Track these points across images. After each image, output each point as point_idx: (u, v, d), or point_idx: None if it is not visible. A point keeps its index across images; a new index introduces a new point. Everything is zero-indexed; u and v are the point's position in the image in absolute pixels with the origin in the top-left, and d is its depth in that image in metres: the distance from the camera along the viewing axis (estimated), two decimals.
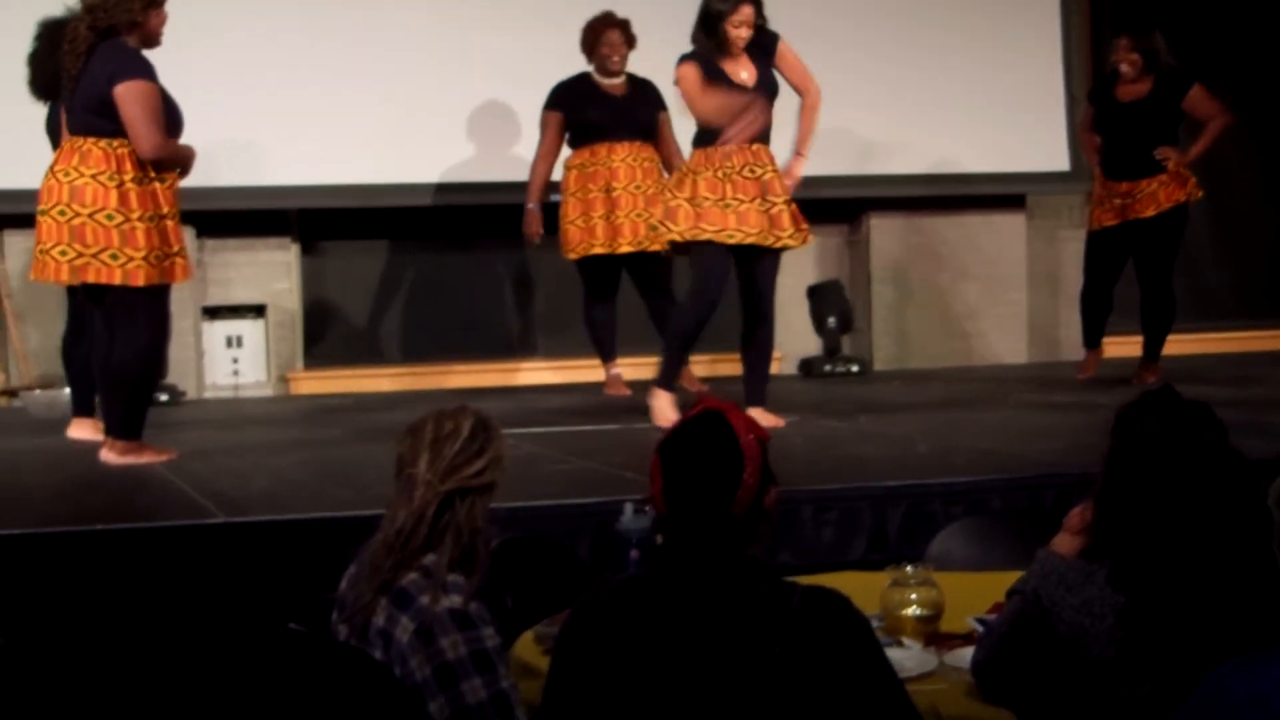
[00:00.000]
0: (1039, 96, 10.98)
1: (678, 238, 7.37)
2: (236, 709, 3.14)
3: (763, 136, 7.39)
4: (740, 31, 7.34)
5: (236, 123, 9.32)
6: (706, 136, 7.39)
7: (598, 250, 8.93)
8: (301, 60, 9.67)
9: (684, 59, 7.42)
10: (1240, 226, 11.82)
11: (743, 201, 7.28)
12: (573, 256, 9.03)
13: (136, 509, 5.82)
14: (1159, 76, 8.98)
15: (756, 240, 7.29)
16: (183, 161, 6.81)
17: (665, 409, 7.45)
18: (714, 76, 7.36)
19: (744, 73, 7.41)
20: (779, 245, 7.36)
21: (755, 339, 7.62)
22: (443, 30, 9.95)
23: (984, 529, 5.09)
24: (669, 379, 7.60)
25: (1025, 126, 10.93)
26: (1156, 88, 8.98)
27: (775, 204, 7.32)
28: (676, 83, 7.43)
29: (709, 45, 7.40)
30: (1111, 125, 9.14)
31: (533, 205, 9.09)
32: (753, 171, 7.32)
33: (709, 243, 7.30)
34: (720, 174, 7.30)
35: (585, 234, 8.94)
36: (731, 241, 7.29)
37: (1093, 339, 9.54)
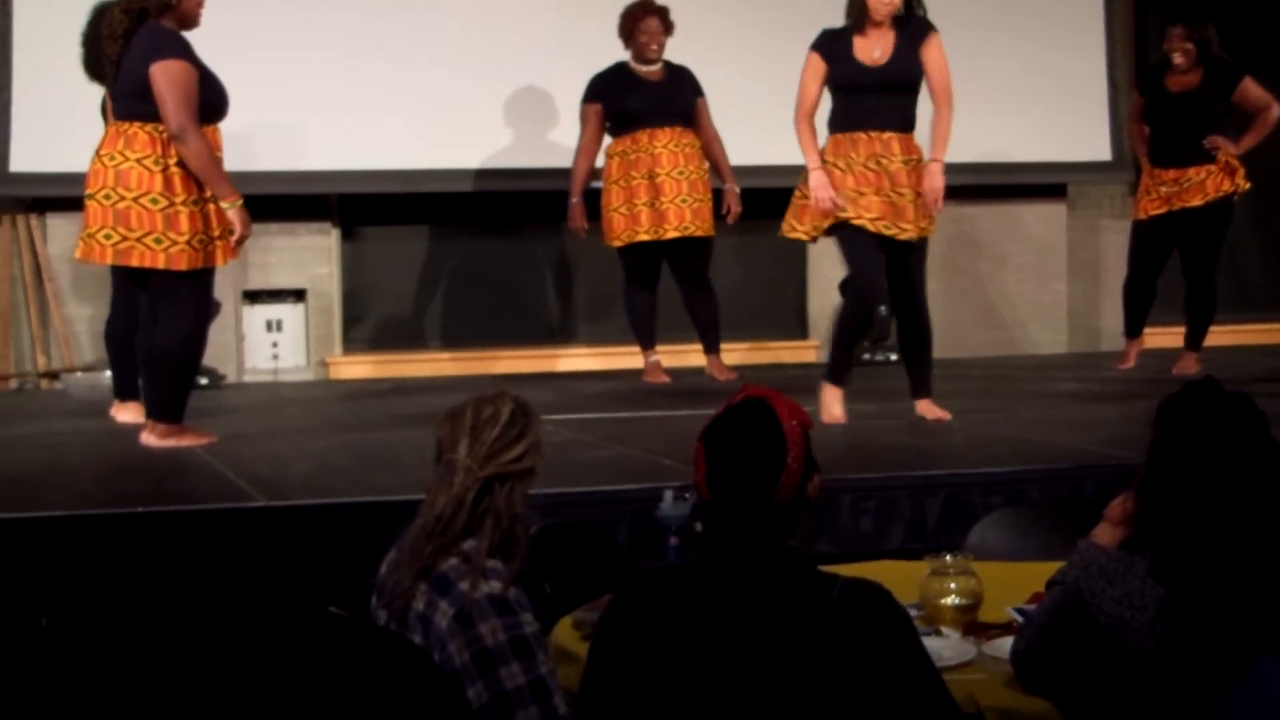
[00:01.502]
0: (1081, 86, 10.95)
1: (804, 237, 7.35)
2: (277, 692, 3.16)
3: (899, 124, 7.19)
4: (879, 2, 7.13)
5: (278, 107, 9.35)
6: (837, 121, 7.25)
7: (642, 237, 8.94)
8: (343, 45, 9.70)
9: (814, 44, 7.25)
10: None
11: (864, 194, 7.10)
12: (618, 244, 9.03)
13: (177, 492, 5.84)
14: (1209, 67, 8.96)
15: (880, 228, 7.10)
16: (211, 179, 6.70)
17: (831, 404, 7.29)
18: (835, 58, 7.18)
19: (877, 51, 7.18)
20: (901, 236, 7.13)
21: (909, 333, 7.41)
22: (484, 15, 9.96)
23: (1023, 519, 5.08)
24: (836, 374, 7.36)
25: (1067, 116, 10.90)
26: (1206, 78, 8.95)
27: (902, 195, 7.11)
28: None
29: (850, 15, 7.22)
30: (1161, 115, 9.11)
31: (576, 199, 9.10)
32: (878, 163, 7.12)
33: (850, 231, 7.15)
34: (843, 165, 7.15)
35: (630, 221, 8.95)
36: (859, 223, 7.12)
37: (1134, 328, 9.51)
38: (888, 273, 7.26)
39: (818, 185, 7.11)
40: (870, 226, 7.10)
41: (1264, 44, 11.13)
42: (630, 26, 9.08)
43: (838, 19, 7.30)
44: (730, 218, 9.17)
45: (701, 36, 9.45)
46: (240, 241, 6.76)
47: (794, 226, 7.35)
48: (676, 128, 9.02)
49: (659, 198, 8.91)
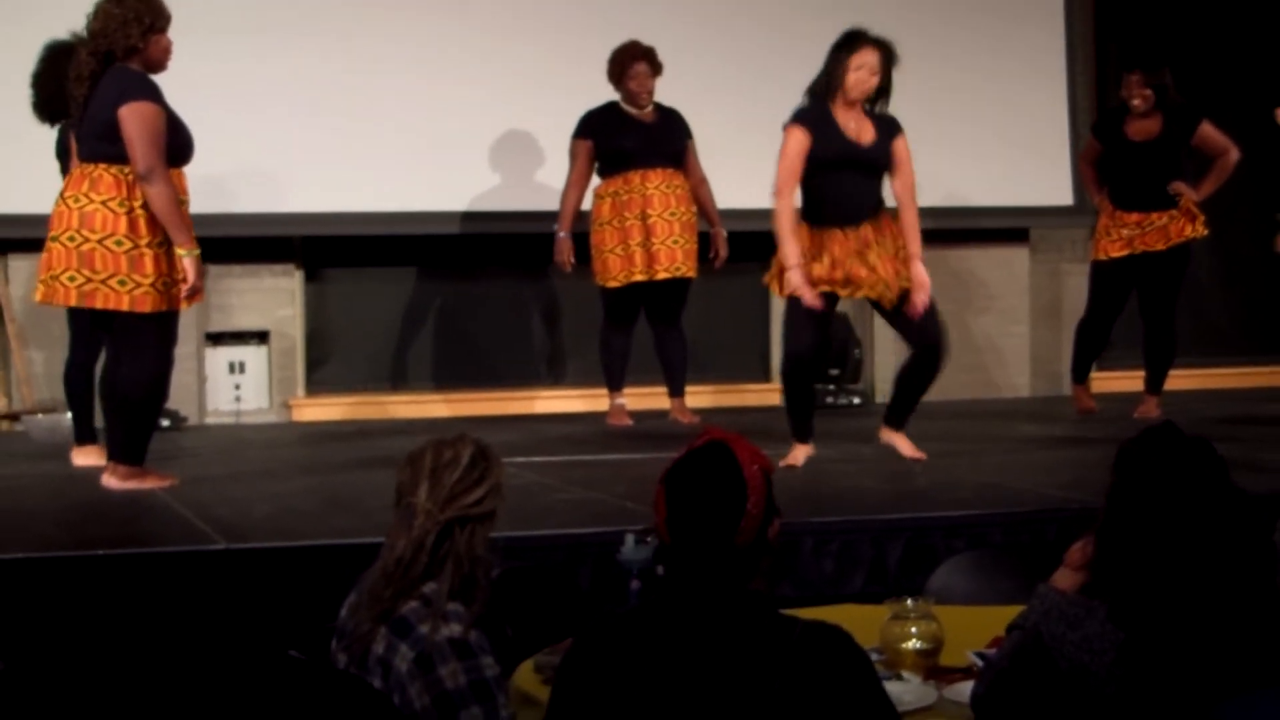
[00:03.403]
0: (1043, 131, 11.00)
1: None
2: None
3: (872, 210, 7.26)
4: (859, 75, 7.13)
5: (242, 149, 9.33)
6: (812, 211, 7.24)
7: (638, 277, 8.95)
8: (309, 86, 9.67)
9: (793, 118, 7.21)
10: (1241, 261, 11.83)
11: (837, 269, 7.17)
12: (614, 284, 9.02)
13: (138, 535, 5.82)
14: (1167, 112, 9.00)
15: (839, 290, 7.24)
16: (172, 224, 6.69)
17: (794, 452, 7.31)
18: (821, 133, 7.16)
19: (861, 131, 7.21)
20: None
21: (919, 366, 7.47)
22: (453, 58, 9.96)
23: (985, 563, 5.09)
24: (798, 432, 7.39)
25: (1029, 161, 10.94)
26: (1166, 124, 8.99)
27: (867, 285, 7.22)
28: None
29: (824, 86, 7.19)
30: (1121, 161, 9.14)
31: (564, 234, 9.10)
32: (854, 255, 7.18)
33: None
34: (817, 256, 7.18)
35: (625, 262, 8.95)
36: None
37: (1081, 373, 9.53)
38: (901, 319, 7.31)
39: (799, 286, 7.09)
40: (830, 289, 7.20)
41: (1219, 87, 11.19)
42: (619, 71, 9.09)
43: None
44: (718, 262, 9.20)
45: (687, 78, 9.47)
46: (192, 293, 6.73)
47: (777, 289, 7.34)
48: (668, 169, 9.04)
49: (651, 239, 8.92)
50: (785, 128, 7.21)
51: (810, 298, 7.09)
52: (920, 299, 7.24)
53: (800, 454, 7.30)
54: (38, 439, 8.74)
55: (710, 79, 10.01)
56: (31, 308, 8.97)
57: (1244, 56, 11.72)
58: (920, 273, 7.27)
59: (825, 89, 7.21)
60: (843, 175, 7.19)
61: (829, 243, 7.17)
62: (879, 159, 7.26)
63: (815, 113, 7.22)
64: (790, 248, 7.11)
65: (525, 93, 9.92)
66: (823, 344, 7.35)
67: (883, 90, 7.23)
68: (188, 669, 3.26)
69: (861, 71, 7.15)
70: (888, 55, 7.18)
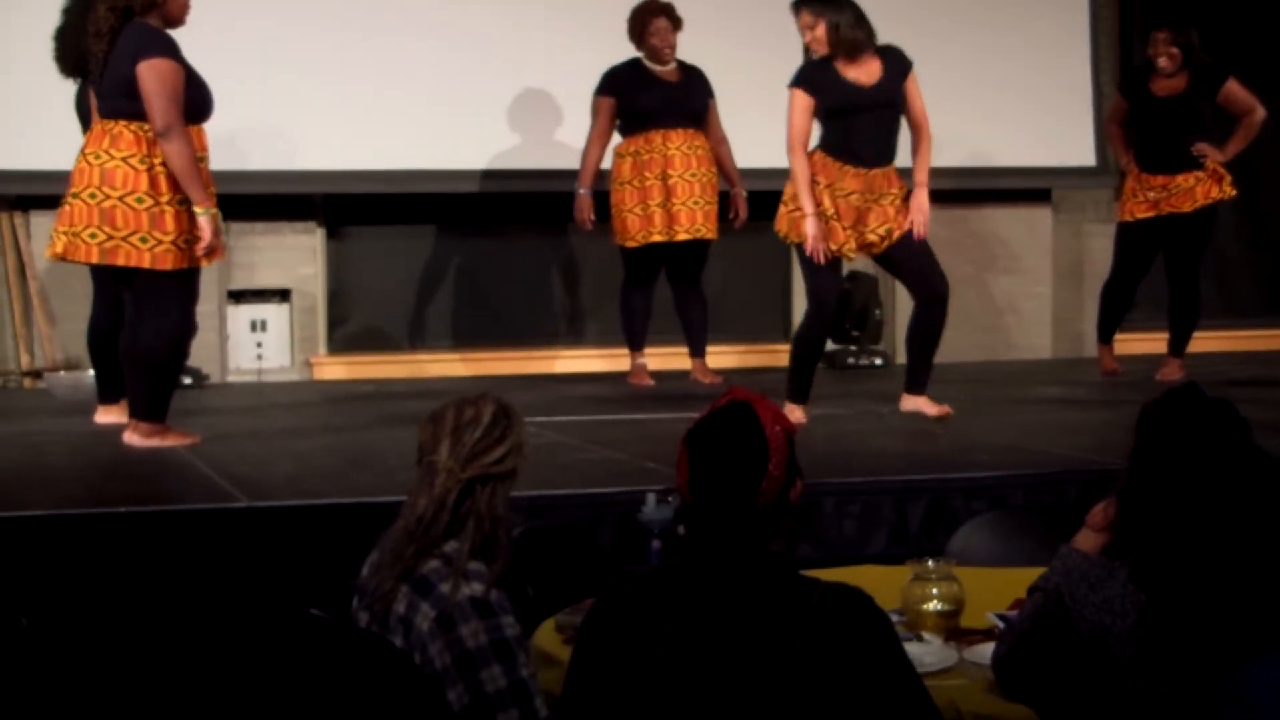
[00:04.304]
0: (1066, 91, 10.95)
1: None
2: (257, 694, 3.15)
3: (887, 155, 7.34)
4: (811, 36, 7.28)
5: (264, 106, 9.33)
6: (828, 144, 7.34)
7: (656, 238, 8.95)
8: (331, 44, 9.67)
9: (794, 79, 7.32)
10: (1266, 223, 11.78)
11: (840, 224, 7.25)
12: (632, 244, 9.03)
13: (159, 492, 5.84)
14: (1194, 71, 8.97)
15: (846, 253, 7.34)
16: (188, 182, 6.68)
17: (791, 411, 7.27)
18: (821, 87, 7.25)
19: (867, 72, 7.30)
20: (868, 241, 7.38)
21: (924, 325, 7.57)
22: (474, 13, 9.93)
23: (1006, 524, 5.08)
24: (798, 394, 7.44)
25: (1052, 121, 10.90)
26: (1192, 82, 8.96)
27: (873, 230, 7.32)
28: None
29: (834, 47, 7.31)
30: (1147, 120, 9.12)
31: (584, 191, 9.10)
32: (861, 198, 7.28)
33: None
34: (827, 187, 7.25)
35: (644, 222, 8.95)
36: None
37: (1107, 333, 9.52)
38: (904, 266, 7.43)
39: (815, 235, 7.19)
40: (839, 254, 7.30)
41: (1245, 47, 11.14)
42: (640, 27, 9.06)
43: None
44: (737, 222, 9.20)
45: (707, 34, 9.44)
46: (209, 251, 6.72)
47: (789, 237, 7.40)
48: (689, 129, 9.03)
49: (671, 199, 8.92)
50: (789, 88, 7.31)
51: (820, 251, 7.18)
52: (918, 221, 7.30)
53: (797, 411, 7.32)
54: (60, 396, 8.76)
55: (730, 35, 9.96)
56: (54, 265, 8.99)
57: (1271, 16, 11.65)
58: (921, 199, 7.33)
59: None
60: (856, 118, 7.27)
61: (845, 175, 7.26)
62: (889, 96, 7.32)
63: (814, 69, 7.31)
64: (807, 199, 7.22)
65: (547, 50, 9.89)
66: (842, 294, 7.42)
67: (852, 42, 7.29)
68: (209, 627, 3.26)
69: (810, 32, 7.29)
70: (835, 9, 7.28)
